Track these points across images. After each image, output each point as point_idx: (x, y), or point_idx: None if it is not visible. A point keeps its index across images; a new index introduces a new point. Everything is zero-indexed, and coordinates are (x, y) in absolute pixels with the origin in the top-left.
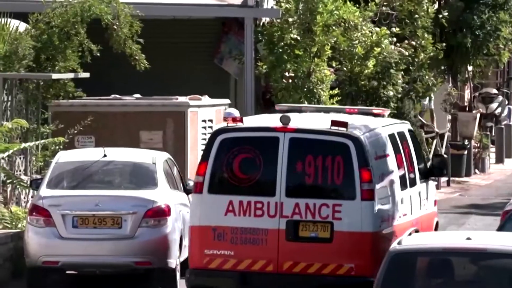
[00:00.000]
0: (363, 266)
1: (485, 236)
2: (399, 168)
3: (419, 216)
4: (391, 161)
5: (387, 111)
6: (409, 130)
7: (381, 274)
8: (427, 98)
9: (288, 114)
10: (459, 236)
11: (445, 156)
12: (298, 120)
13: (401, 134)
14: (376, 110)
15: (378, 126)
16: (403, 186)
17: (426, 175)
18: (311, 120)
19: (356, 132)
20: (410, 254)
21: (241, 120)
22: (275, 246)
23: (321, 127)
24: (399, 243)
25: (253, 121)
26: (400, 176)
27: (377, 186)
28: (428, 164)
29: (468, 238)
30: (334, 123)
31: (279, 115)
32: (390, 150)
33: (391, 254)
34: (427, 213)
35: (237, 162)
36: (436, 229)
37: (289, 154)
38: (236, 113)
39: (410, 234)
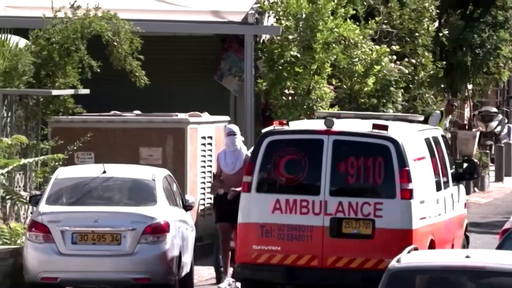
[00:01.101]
0: None
1: (484, 254)
2: (434, 170)
3: (452, 216)
4: (427, 164)
5: (420, 118)
6: (442, 136)
7: None
8: (448, 118)
9: (331, 118)
10: (458, 254)
11: (476, 161)
12: (341, 124)
13: (435, 139)
14: (411, 116)
15: (415, 130)
16: (438, 187)
17: (457, 179)
18: (352, 124)
19: (396, 135)
20: (409, 272)
21: (287, 124)
22: (320, 242)
23: (363, 130)
24: (398, 261)
25: (298, 124)
26: (435, 178)
27: (415, 186)
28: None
29: (467, 256)
30: (375, 126)
31: (321, 120)
32: (426, 153)
33: (390, 271)
34: (458, 214)
35: (283, 162)
36: (466, 230)
37: (333, 156)
38: (236, 128)
39: (409, 251)
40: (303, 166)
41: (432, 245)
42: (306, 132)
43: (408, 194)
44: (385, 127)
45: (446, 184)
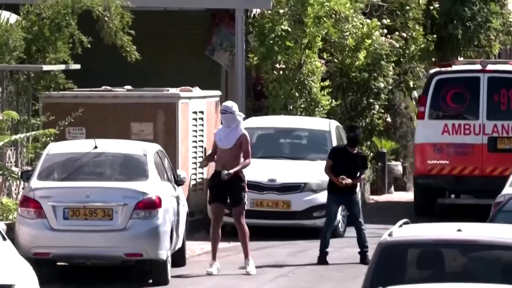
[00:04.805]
0: None
1: (475, 227)
2: None
3: None
4: None
5: None
6: None
7: (371, 266)
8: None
9: (485, 60)
10: (450, 228)
11: None
12: (492, 65)
13: None
14: None
15: None
16: None
17: None
18: (500, 65)
19: None
20: (400, 246)
21: (451, 65)
22: (480, 156)
23: (510, 68)
24: (389, 234)
25: (459, 66)
26: None
27: None
28: None
29: (459, 230)
30: None
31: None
32: None
33: (382, 246)
34: None
35: (449, 95)
36: None
37: (488, 89)
38: (230, 107)
39: (401, 225)
40: (465, 98)
41: None
42: (466, 72)
43: None
44: None
45: None
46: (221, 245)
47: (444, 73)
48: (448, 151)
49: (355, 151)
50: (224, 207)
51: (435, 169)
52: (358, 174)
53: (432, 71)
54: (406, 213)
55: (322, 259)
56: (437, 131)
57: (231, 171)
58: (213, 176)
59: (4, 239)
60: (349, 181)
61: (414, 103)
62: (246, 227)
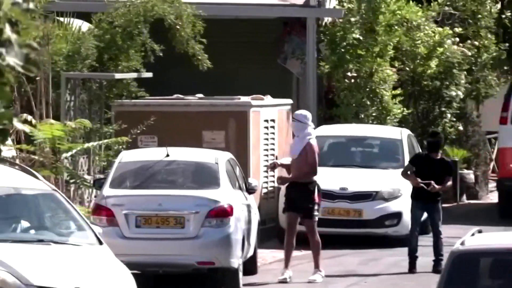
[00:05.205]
0: None
1: None
2: None
3: None
4: None
5: None
6: None
7: (443, 275)
8: None
9: None
10: None
11: None
12: None
13: None
14: None
15: None
16: None
17: None
18: None
19: None
20: (473, 255)
21: None
22: None
23: None
24: (462, 243)
25: None
26: None
27: None
28: None
29: None
30: None
31: None
32: None
33: (454, 254)
34: None
35: None
36: None
37: None
38: (301, 115)
39: (473, 234)
40: None
41: None
42: None
43: None
44: None
45: None
46: (293, 253)
47: None
48: None
49: (439, 157)
50: (297, 216)
51: None
52: (445, 181)
53: None
54: (489, 218)
55: (412, 266)
56: None
57: (288, 177)
58: (288, 185)
59: (101, 243)
60: (417, 181)
61: None
62: (318, 239)
